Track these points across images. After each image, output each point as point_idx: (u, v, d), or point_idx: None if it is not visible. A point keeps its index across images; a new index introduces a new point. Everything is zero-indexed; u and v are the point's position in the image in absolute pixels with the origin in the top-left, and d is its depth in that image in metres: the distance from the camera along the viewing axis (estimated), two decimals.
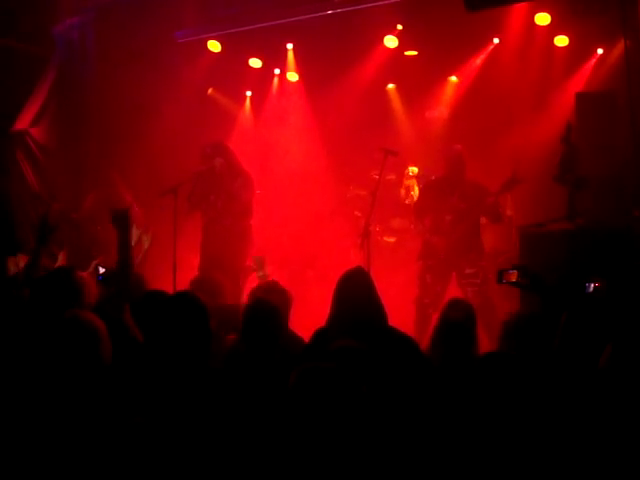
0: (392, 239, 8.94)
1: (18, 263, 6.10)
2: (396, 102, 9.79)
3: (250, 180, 7.44)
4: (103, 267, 5.05)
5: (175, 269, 6.91)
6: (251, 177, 7.48)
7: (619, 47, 8.04)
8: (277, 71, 9.88)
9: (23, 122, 8.87)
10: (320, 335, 4.06)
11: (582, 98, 7.32)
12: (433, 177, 8.04)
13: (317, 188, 9.50)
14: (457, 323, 3.98)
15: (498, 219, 7.16)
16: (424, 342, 4.77)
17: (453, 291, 6.93)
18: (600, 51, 8.35)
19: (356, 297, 4.14)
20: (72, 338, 3.18)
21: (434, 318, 6.66)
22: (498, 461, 2.66)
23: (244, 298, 6.36)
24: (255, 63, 9.56)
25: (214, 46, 9.12)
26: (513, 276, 3.71)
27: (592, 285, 3.54)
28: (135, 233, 6.73)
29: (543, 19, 7.94)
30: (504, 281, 3.79)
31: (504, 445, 2.69)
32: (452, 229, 6.98)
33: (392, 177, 9.01)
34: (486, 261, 7.17)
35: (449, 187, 7.07)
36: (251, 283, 7.42)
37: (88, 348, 3.18)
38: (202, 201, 7.41)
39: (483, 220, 7.29)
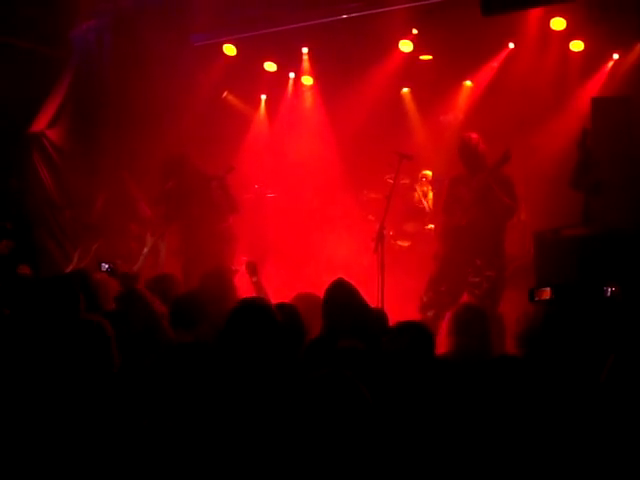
0: (406, 243, 8.93)
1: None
2: (411, 106, 9.80)
3: (225, 183, 7.53)
4: (106, 263, 5.27)
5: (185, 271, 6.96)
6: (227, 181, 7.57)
7: (635, 52, 8.05)
8: (292, 75, 9.91)
9: (40, 124, 8.94)
10: (313, 345, 4.06)
11: (598, 103, 7.31)
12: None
13: (331, 191, 9.52)
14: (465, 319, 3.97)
15: (503, 206, 6.60)
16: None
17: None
18: (616, 56, 8.33)
19: (342, 308, 4.18)
20: (84, 341, 3.20)
21: (438, 320, 6.61)
22: (502, 463, 2.67)
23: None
24: (270, 67, 9.60)
25: (229, 50, 9.16)
26: (546, 294, 3.64)
27: (610, 289, 3.54)
28: (149, 240, 6.84)
29: (559, 24, 7.91)
30: (536, 299, 3.71)
31: (510, 449, 2.69)
32: (460, 219, 6.74)
33: (406, 181, 9.01)
34: (498, 270, 6.71)
35: (466, 178, 6.87)
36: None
37: (99, 351, 3.19)
38: (178, 214, 7.46)
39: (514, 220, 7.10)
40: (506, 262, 6.86)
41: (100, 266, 5.29)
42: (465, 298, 6.59)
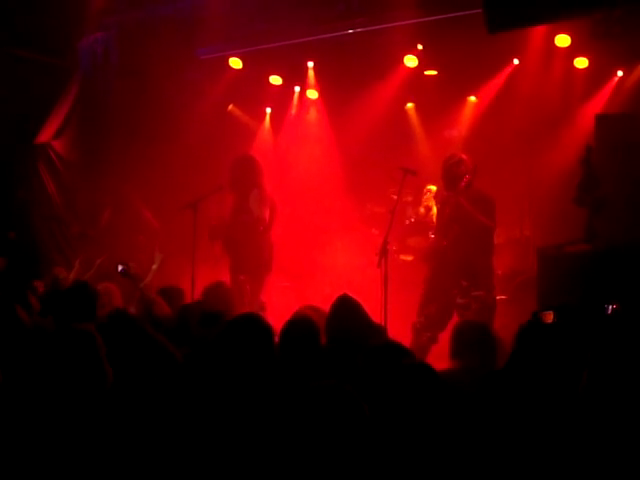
0: (409, 258, 8.93)
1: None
2: (415, 121, 9.84)
3: (264, 194, 7.56)
4: (120, 264, 5.61)
5: (193, 282, 6.96)
6: (267, 191, 7.61)
7: (639, 69, 8.06)
8: (297, 88, 9.97)
9: (46, 134, 8.99)
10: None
11: (602, 120, 7.33)
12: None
13: (335, 205, 9.54)
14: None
15: (478, 225, 6.48)
16: None
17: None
18: (620, 73, 8.37)
19: (345, 324, 4.20)
20: (71, 351, 3.19)
21: (431, 342, 6.58)
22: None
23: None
24: (275, 80, 9.65)
25: (235, 63, 9.20)
26: (549, 317, 3.62)
27: (611, 307, 3.53)
28: (158, 257, 6.88)
29: (563, 41, 7.94)
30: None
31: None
32: (441, 240, 6.71)
33: (410, 196, 9.02)
34: (486, 290, 6.53)
35: (448, 199, 6.83)
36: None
37: (86, 360, 3.19)
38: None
39: (498, 239, 7.08)
40: (494, 282, 6.71)
41: (116, 267, 5.63)
42: (455, 319, 6.47)
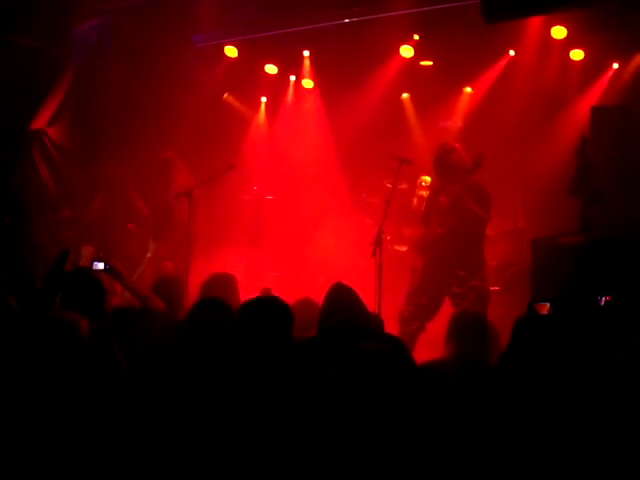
0: (403, 248, 8.93)
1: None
2: (410, 111, 9.81)
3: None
4: (100, 262, 5.05)
5: (188, 271, 6.97)
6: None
7: (635, 61, 8.10)
8: (292, 78, 9.94)
9: (40, 121, 8.95)
10: (305, 344, 4.07)
11: (597, 112, 7.34)
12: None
13: (329, 195, 9.52)
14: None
15: (473, 215, 6.52)
16: None
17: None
18: (616, 65, 8.37)
19: (341, 312, 4.15)
20: (51, 338, 3.14)
21: (419, 332, 6.60)
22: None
23: None
24: (271, 69, 9.63)
25: (231, 51, 9.19)
26: (545, 308, 3.62)
27: (604, 299, 3.54)
28: (152, 246, 6.83)
29: (559, 32, 7.94)
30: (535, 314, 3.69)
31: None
32: (437, 228, 6.71)
33: (404, 186, 9.01)
34: (481, 280, 6.56)
35: (444, 188, 6.83)
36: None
37: (65, 347, 3.13)
38: None
39: (492, 231, 7.08)
40: (486, 272, 6.74)
41: (92, 264, 5.02)
42: (445, 309, 6.50)
